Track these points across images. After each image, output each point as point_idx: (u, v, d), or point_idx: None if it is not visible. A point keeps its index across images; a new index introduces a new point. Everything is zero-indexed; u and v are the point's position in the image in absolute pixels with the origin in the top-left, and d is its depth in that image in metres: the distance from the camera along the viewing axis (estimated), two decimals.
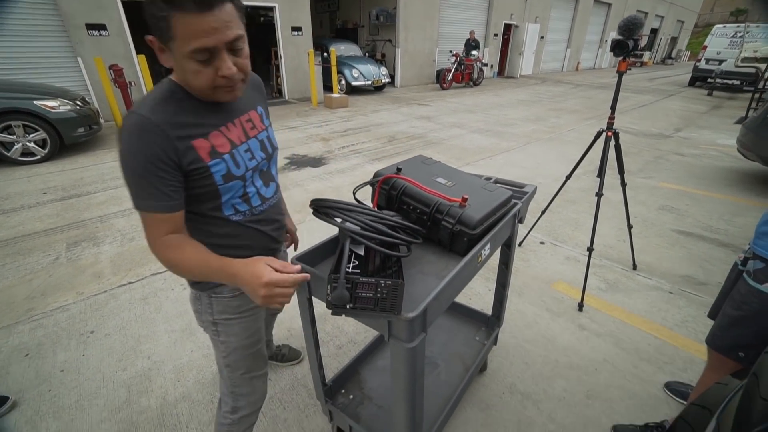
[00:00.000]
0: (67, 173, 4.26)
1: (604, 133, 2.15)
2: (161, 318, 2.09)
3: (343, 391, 1.42)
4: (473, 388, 1.66)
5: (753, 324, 1.10)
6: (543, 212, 2.69)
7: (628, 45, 1.81)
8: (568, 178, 2.49)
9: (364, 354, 1.55)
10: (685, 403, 1.55)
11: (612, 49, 1.87)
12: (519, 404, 1.59)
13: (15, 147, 4.37)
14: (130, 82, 6.08)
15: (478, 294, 2.29)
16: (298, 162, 4.67)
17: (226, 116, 0.87)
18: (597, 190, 2.12)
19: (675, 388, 1.63)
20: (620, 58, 1.90)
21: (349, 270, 0.81)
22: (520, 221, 1.45)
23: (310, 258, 1.05)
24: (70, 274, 2.47)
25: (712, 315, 1.37)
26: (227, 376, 1.09)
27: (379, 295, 0.76)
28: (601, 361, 1.80)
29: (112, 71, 5.87)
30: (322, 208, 0.89)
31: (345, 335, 1.98)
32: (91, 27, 6.14)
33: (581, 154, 2.38)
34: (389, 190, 1.21)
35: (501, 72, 15.55)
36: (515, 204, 1.35)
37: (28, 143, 4.42)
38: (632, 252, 2.52)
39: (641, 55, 21.26)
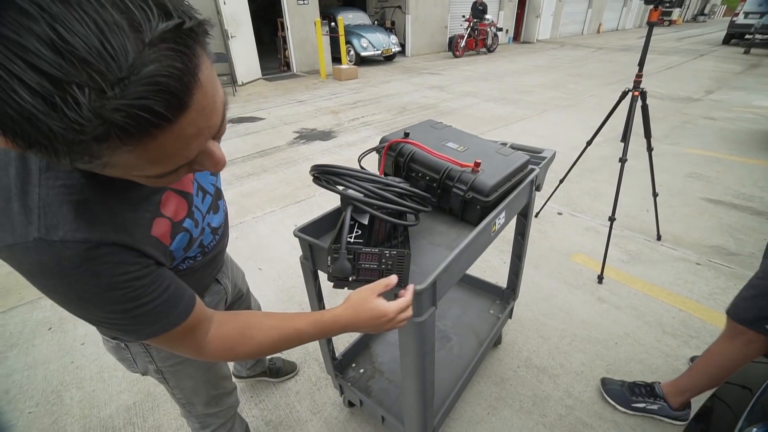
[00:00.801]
0: None
1: (630, 93, 1.99)
2: None
3: (353, 365, 1.40)
4: (487, 362, 1.63)
5: None
6: (561, 181, 2.57)
7: None
8: (588, 143, 2.34)
9: None
10: None
11: None
12: (535, 378, 1.55)
13: None
14: None
15: (492, 266, 2.23)
16: (308, 136, 4.58)
17: None
18: (620, 156, 1.98)
19: None
20: (651, 6, 1.72)
21: (351, 240, 0.75)
22: (538, 189, 1.36)
23: (314, 229, 1.00)
24: None
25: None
26: (189, 412, 0.95)
27: (383, 266, 0.70)
28: (621, 334, 1.73)
29: None
30: (322, 175, 0.82)
31: None
32: None
33: (602, 120, 2.22)
34: (396, 157, 1.13)
35: (516, 37, 14.76)
36: (532, 170, 1.25)
37: None
38: (657, 222, 2.39)
39: (670, 13, 19.82)
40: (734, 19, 11.47)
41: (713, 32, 16.00)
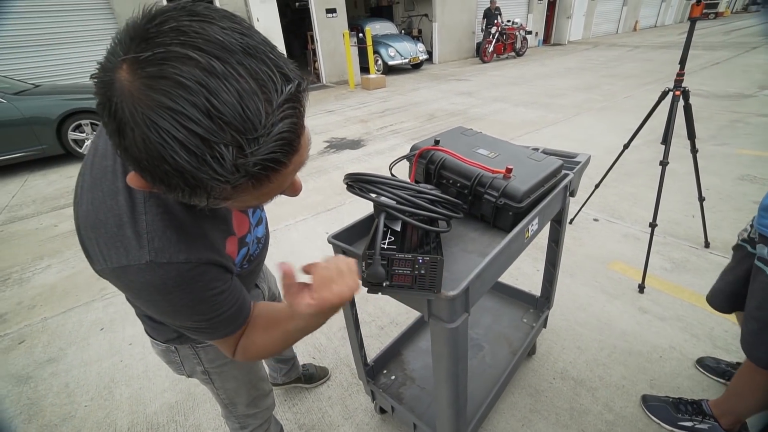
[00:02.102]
0: None
1: (671, 93, 1.90)
2: None
3: (385, 371, 1.41)
4: (521, 372, 1.59)
5: None
6: (597, 186, 2.47)
7: None
8: (626, 147, 2.25)
9: (407, 335, 1.53)
10: None
11: None
12: (571, 391, 1.49)
13: (86, 144, 4.80)
14: None
15: (525, 274, 2.17)
16: (337, 145, 4.69)
17: None
18: (661, 159, 1.89)
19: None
20: (694, 1, 1.64)
21: (385, 246, 0.77)
22: (572, 194, 1.32)
23: (346, 236, 1.02)
24: None
25: (713, 302, 1.28)
26: (230, 412, 1.00)
27: (416, 272, 0.71)
28: (666, 347, 1.64)
29: None
30: (356, 183, 0.85)
31: (387, 316, 1.97)
32: None
33: (640, 121, 2.12)
34: (427, 164, 1.14)
35: (547, 39, 14.42)
36: (566, 175, 1.23)
37: None
38: (704, 227, 2.24)
39: (716, 5, 18.64)
40: None
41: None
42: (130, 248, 0.50)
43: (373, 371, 1.36)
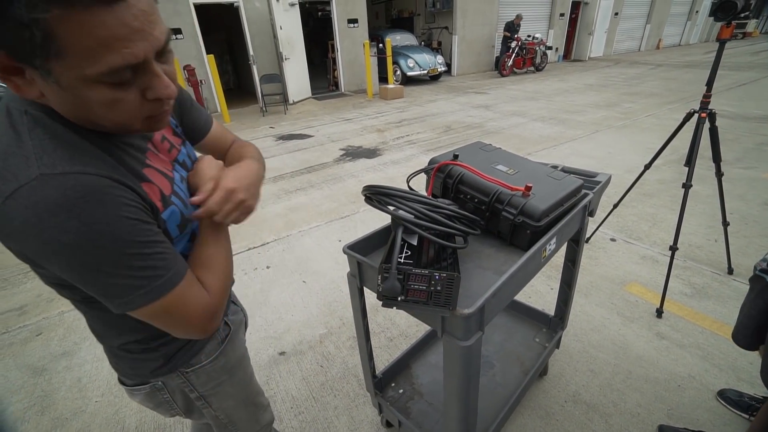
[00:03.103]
0: None
1: (697, 115, 1.86)
2: None
3: (393, 384, 1.39)
4: (531, 393, 1.55)
5: None
6: (615, 206, 2.43)
7: (736, 5, 1.52)
8: (647, 167, 2.20)
9: (416, 348, 1.52)
10: None
11: (713, 13, 1.59)
12: (584, 416, 1.45)
13: None
14: (200, 81, 6.60)
15: (538, 292, 2.13)
16: (353, 153, 4.73)
17: (140, 142, 0.60)
18: (684, 181, 1.85)
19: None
20: (723, 22, 1.62)
21: (401, 260, 0.77)
22: (591, 214, 1.30)
23: (362, 247, 1.03)
24: None
25: (738, 339, 1.20)
26: None
27: (432, 288, 0.71)
28: (685, 376, 1.58)
29: (185, 71, 6.40)
30: (374, 195, 0.86)
31: (397, 327, 1.96)
32: None
33: (662, 141, 2.08)
34: (445, 178, 1.14)
35: (567, 55, 14.34)
36: (585, 194, 1.21)
37: None
38: (728, 253, 2.17)
39: (744, 25, 18.26)
40: None
41: None
42: (18, 171, 0.44)
43: (381, 383, 1.35)
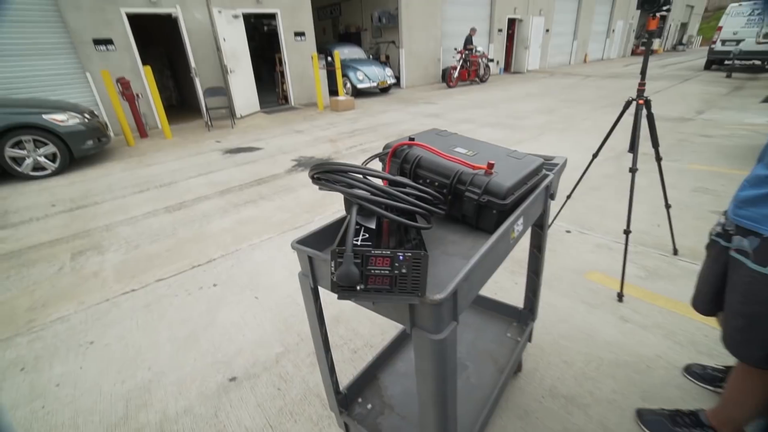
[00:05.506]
0: (76, 185, 4.23)
1: (635, 102, 1.95)
2: (164, 325, 1.95)
3: (360, 400, 1.24)
4: (508, 392, 1.46)
5: None
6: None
7: None
8: (595, 156, 2.29)
9: (383, 357, 1.38)
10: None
11: (640, 5, 1.68)
12: (563, 409, 1.38)
13: (26, 162, 4.38)
14: (137, 94, 6.11)
15: (503, 288, 2.09)
16: (305, 163, 4.55)
17: None
18: (631, 166, 1.92)
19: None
20: (650, 15, 1.71)
21: (358, 243, 0.64)
22: (551, 197, 1.27)
23: (313, 241, 0.89)
24: (73, 283, 2.37)
25: (697, 305, 1.22)
26: None
27: (397, 271, 0.59)
28: (652, 356, 1.58)
29: (119, 84, 5.90)
30: (323, 174, 0.73)
31: (360, 338, 1.80)
32: (98, 42, 6.20)
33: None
34: (402, 163, 1.04)
35: (507, 68, 15.30)
36: (546, 175, 1.17)
37: (38, 158, 4.43)
38: (672, 235, 2.28)
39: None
40: (713, 46, 11.99)
41: (694, 59, 16.65)
42: None
43: (346, 400, 1.19)
